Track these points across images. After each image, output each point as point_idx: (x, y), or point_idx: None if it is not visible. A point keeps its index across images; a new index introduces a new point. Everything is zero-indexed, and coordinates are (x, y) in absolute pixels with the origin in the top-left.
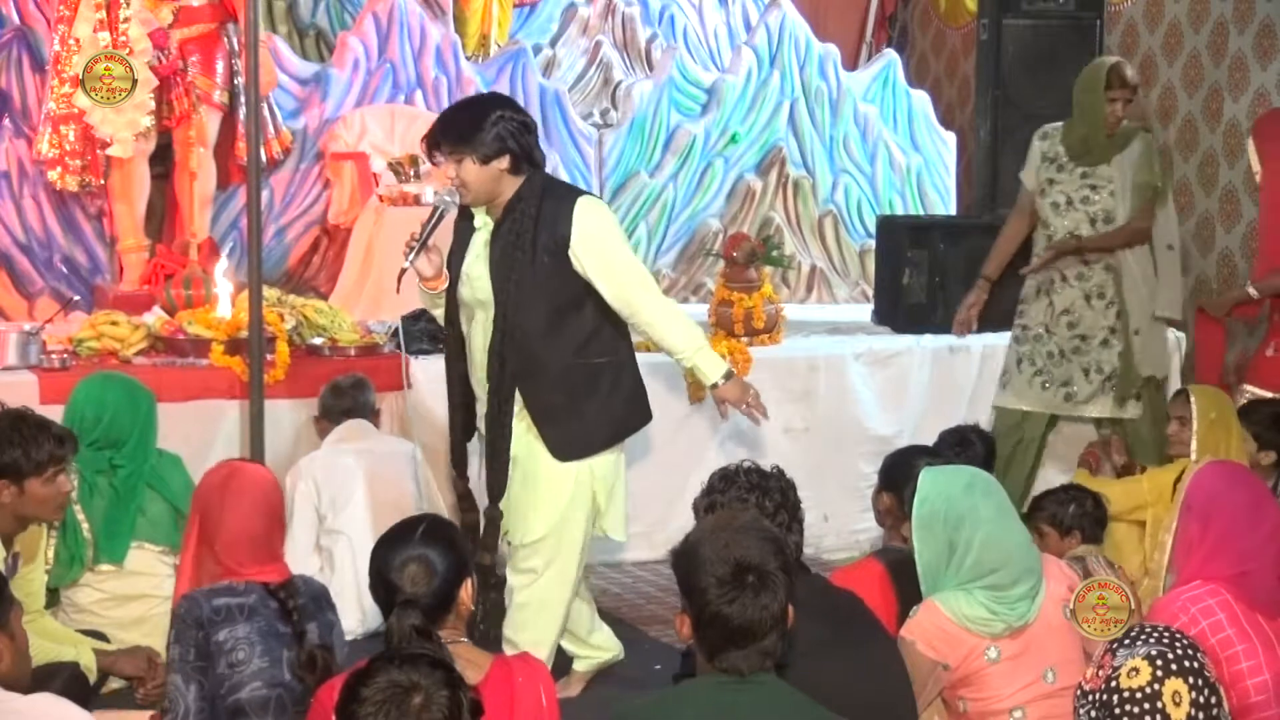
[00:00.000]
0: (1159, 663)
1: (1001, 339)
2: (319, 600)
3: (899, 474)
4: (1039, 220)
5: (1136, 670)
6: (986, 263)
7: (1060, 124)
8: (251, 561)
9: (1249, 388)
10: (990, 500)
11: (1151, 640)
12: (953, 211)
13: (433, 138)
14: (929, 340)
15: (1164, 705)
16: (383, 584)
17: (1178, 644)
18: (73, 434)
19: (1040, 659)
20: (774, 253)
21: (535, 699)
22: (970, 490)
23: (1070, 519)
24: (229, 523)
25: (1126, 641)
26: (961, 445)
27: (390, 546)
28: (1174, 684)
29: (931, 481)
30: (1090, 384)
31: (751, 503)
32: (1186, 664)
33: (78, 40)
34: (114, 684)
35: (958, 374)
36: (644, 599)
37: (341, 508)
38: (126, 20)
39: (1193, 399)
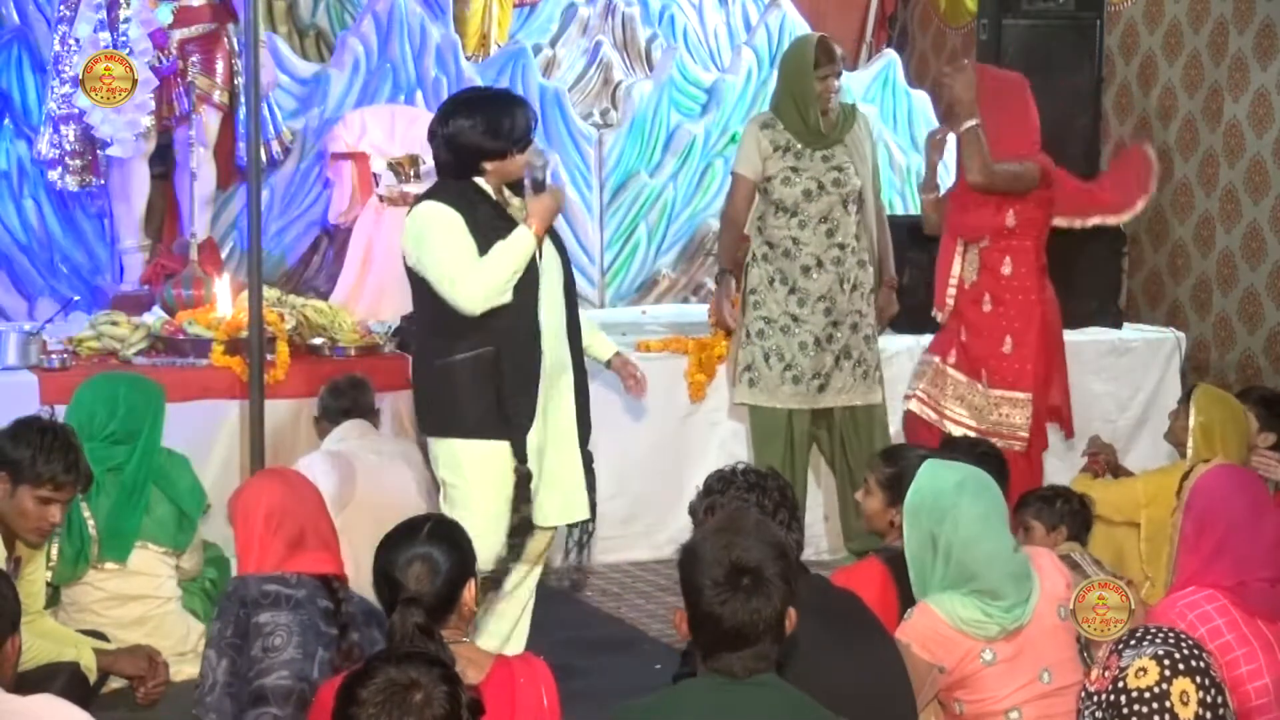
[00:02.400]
0: (1166, 662)
1: None
2: (370, 617)
3: (901, 476)
4: (776, 209)
5: (1144, 670)
6: (724, 256)
7: (774, 111)
8: (301, 551)
9: (996, 391)
10: (977, 502)
11: (1157, 640)
12: None
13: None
14: (929, 340)
15: (1172, 704)
16: (386, 581)
17: (1183, 644)
18: (90, 476)
19: (1036, 660)
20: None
21: (536, 699)
22: (959, 488)
23: (1055, 515)
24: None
25: (1132, 642)
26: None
27: (395, 545)
28: (1182, 683)
29: (928, 472)
30: (842, 371)
31: (751, 502)
32: (1193, 663)
33: (78, 40)
34: (114, 684)
35: None
36: (644, 599)
37: (341, 508)
38: (126, 20)
39: (1194, 397)
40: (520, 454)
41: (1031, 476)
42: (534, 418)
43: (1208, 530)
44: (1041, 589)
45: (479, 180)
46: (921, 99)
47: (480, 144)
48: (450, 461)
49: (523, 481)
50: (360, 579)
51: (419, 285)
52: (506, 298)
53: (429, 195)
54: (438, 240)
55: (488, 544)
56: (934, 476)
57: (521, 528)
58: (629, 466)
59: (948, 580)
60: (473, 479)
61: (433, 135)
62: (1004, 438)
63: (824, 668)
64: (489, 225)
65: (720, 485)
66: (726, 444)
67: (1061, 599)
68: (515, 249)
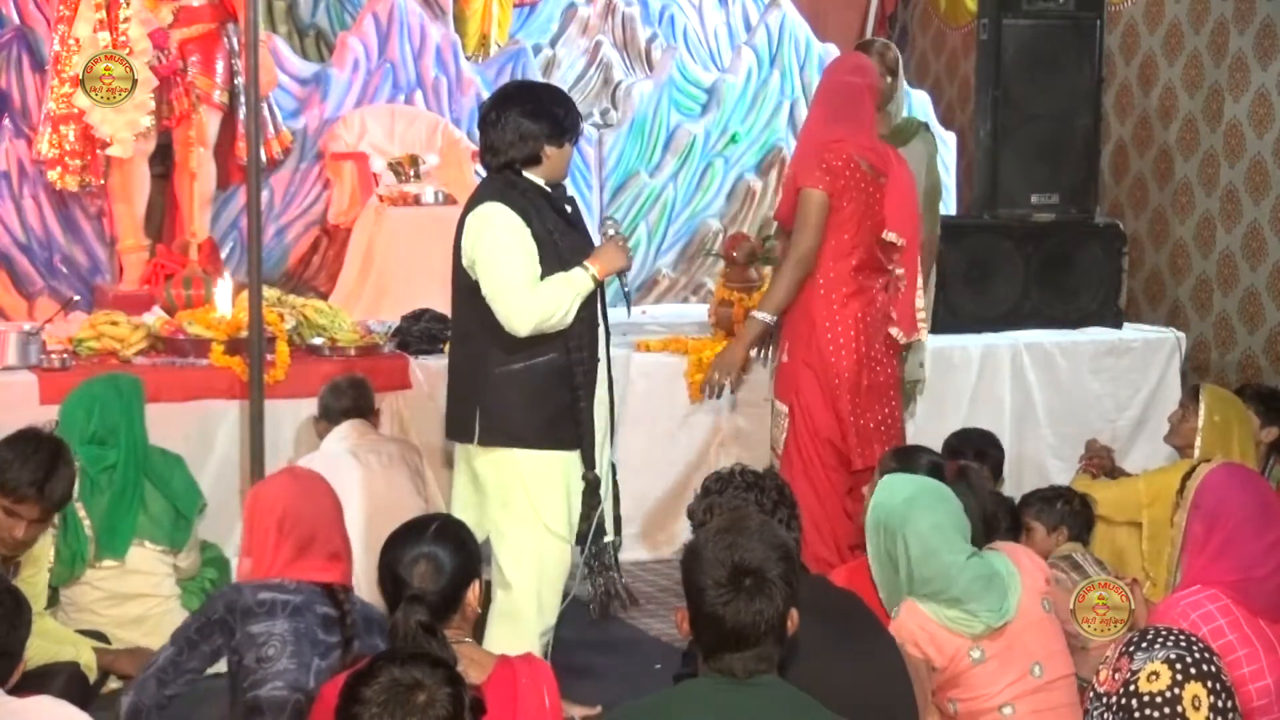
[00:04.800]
0: (1178, 666)
1: (1001, 338)
2: (370, 623)
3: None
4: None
5: (1156, 674)
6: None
7: None
8: (305, 557)
9: (775, 401)
10: (928, 515)
11: (1169, 644)
12: (953, 211)
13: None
14: (929, 340)
15: (1184, 709)
16: (391, 579)
17: (1195, 648)
18: (63, 502)
19: (1025, 654)
20: (774, 253)
21: (539, 700)
22: (909, 503)
23: (1056, 515)
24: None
25: (1143, 644)
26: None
27: (402, 543)
28: (1194, 688)
29: (882, 489)
30: None
31: (751, 501)
32: (1205, 667)
33: (78, 40)
34: (114, 684)
35: (958, 374)
36: (644, 599)
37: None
38: (126, 20)
39: (1202, 397)
40: (589, 461)
41: (804, 500)
42: (594, 426)
43: (1217, 527)
44: (1022, 584)
45: (531, 176)
46: (921, 99)
47: (544, 129)
48: (510, 472)
49: (591, 489)
50: (357, 581)
51: (475, 290)
52: (558, 327)
53: (491, 195)
54: (499, 249)
55: (555, 558)
56: (885, 492)
57: (595, 536)
58: (629, 466)
59: (915, 591)
60: (537, 490)
61: (493, 123)
62: (774, 452)
63: (825, 668)
64: (555, 228)
65: (719, 486)
66: (726, 444)
67: (1043, 592)
68: (575, 287)
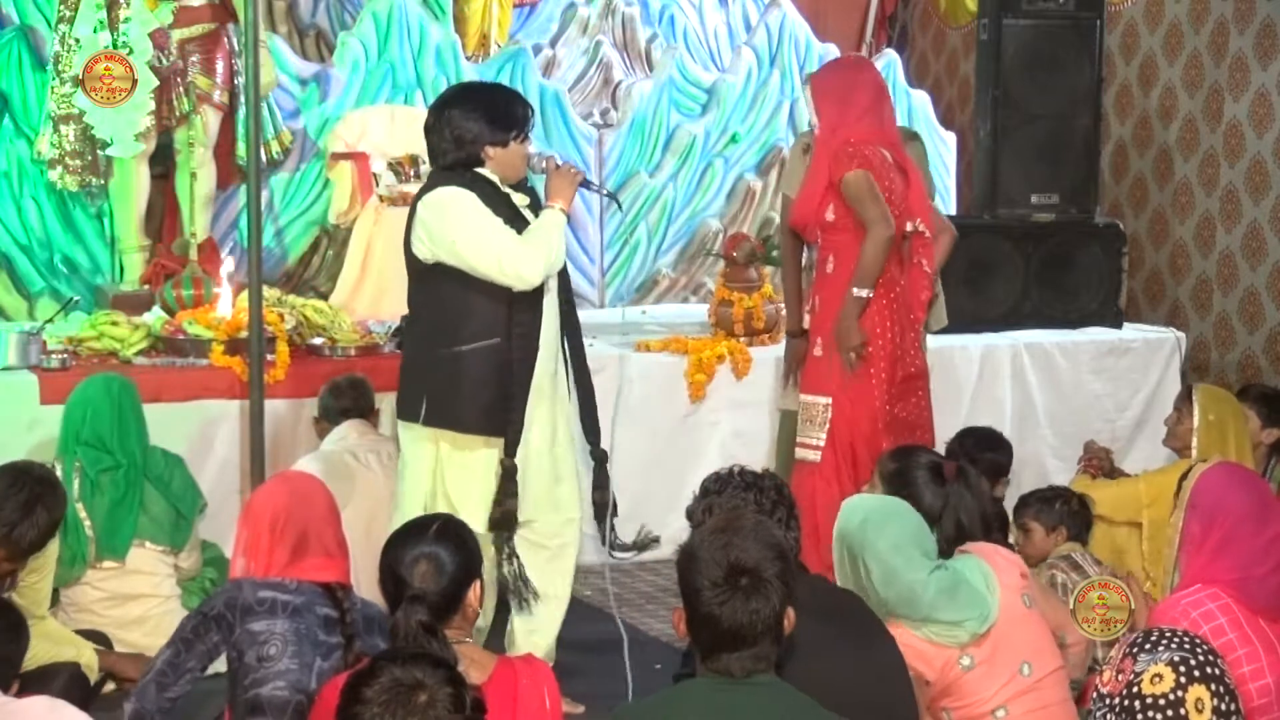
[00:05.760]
0: (1182, 669)
1: (1001, 338)
2: (370, 622)
3: (900, 477)
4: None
5: (1160, 676)
6: (792, 314)
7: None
8: (303, 558)
9: (805, 396)
10: (883, 536)
11: (1173, 645)
12: (952, 211)
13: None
14: (929, 340)
15: (1187, 712)
16: (392, 578)
17: (1199, 650)
18: (31, 542)
19: (1013, 655)
20: (774, 253)
21: (539, 700)
22: (864, 526)
23: (1055, 516)
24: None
25: (1147, 646)
26: (981, 447)
27: (402, 542)
28: (1197, 691)
29: (842, 515)
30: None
31: (750, 501)
32: (1208, 670)
33: (78, 40)
34: (112, 685)
35: (958, 374)
36: (644, 599)
37: (340, 508)
38: (126, 20)
39: (1195, 397)
40: (511, 449)
41: (828, 499)
42: (524, 417)
43: (1215, 526)
44: (1000, 582)
45: (481, 171)
46: (921, 99)
47: (482, 130)
48: (428, 460)
49: (508, 476)
50: (357, 580)
51: (424, 275)
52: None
53: (437, 184)
54: (470, 221)
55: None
56: (845, 519)
57: (505, 522)
58: (628, 466)
59: (891, 615)
60: (454, 486)
61: (431, 128)
62: (804, 447)
63: (824, 668)
64: (503, 213)
65: (717, 486)
66: (726, 444)
67: (1021, 588)
68: (553, 225)
